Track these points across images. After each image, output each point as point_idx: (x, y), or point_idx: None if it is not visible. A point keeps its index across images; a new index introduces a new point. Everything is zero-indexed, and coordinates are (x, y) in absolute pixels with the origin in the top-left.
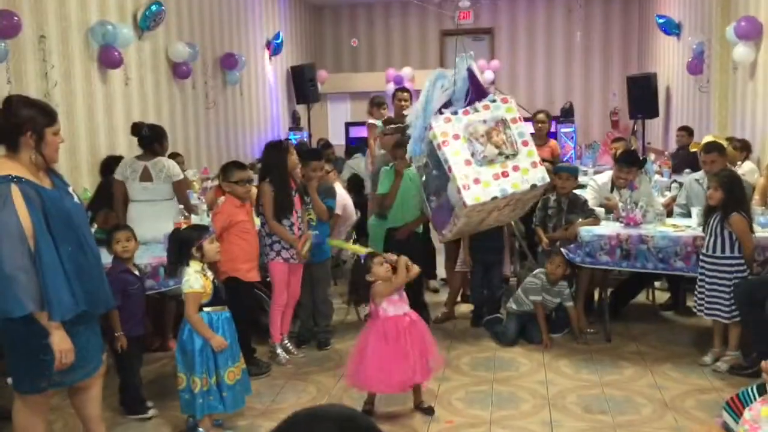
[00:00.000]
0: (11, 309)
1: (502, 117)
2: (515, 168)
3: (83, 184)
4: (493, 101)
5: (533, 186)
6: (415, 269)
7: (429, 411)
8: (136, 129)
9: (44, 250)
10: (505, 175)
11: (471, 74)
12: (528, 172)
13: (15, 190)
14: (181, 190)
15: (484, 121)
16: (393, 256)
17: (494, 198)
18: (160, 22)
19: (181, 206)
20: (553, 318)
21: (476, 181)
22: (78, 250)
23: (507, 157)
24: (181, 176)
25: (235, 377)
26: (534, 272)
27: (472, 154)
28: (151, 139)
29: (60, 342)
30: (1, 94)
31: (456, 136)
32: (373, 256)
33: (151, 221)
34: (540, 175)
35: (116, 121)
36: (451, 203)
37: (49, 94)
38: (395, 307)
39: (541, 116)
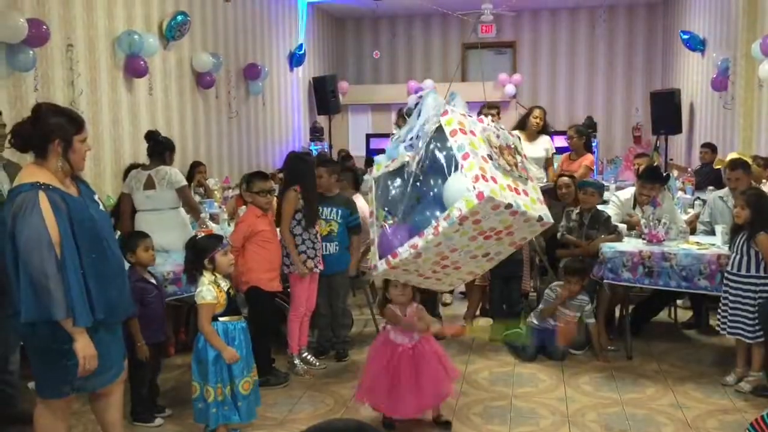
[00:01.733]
0: (41, 315)
1: (512, 143)
2: (525, 192)
3: (107, 191)
4: (500, 128)
5: (539, 218)
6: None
7: (446, 426)
8: (150, 135)
9: (69, 258)
10: (518, 192)
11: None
12: (536, 203)
13: (42, 197)
14: (185, 195)
15: (498, 136)
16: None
17: (509, 206)
18: (185, 33)
19: (204, 215)
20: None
21: (493, 179)
22: (101, 258)
23: (519, 178)
24: (183, 183)
25: (249, 387)
26: (551, 285)
27: (489, 156)
28: (164, 146)
29: (84, 348)
30: (28, 102)
31: (473, 132)
32: None
33: (158, 230)
34: (546, 212)
35: (141, 130)
36: (444, 203)
37: (75, 102)
38: (396, 334)
39: (570, 132)
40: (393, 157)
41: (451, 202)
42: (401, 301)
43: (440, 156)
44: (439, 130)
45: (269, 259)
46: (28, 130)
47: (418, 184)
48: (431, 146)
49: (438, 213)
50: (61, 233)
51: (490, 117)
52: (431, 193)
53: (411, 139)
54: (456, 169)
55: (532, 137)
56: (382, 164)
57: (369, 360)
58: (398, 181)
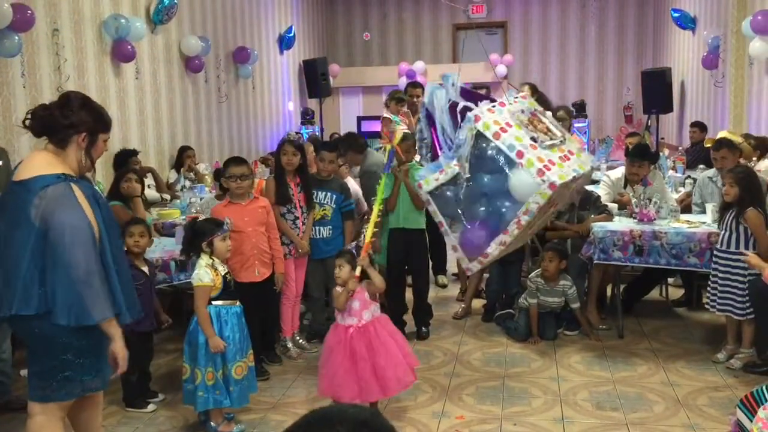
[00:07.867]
0: (88, 317)
1: (534, 108)
2: (570, 152)
3: (97, 177)
4: (515, 97)
5: (591, 168)
6: (377, 284)
7: None
8: None
9: (109, 252)
10: (567, 158)
11: (463, 90)
12: (581, 155)
13: (77, 190)
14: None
15: (522, 111)
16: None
17: (573, 178)
18: (172, 16)
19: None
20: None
21: (551, 162)
22: (120, 251)
23: (561, 142)
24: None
25: (242, 372)
26: (530, 276)
27: (533, 140)
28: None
29: (123, 349)
30: (15, 88)
31: (508, 125)
32: (342, 255)
33: None
34: (591, 158)
35: (129, 115)
36: (516, 198)
37: (61, 87)
38: (344, 317)
39: (560, 113)
40: (437, 169)
41: (525, 197)
42: (349, 280)
43: (489, 155)
44: (479, 135)
45: (233, 247)
46: (54, 116)
47: (471, 184)
48: (476, 150)
49: (508, 204)
50: (100, 227)
51: None
52: (487, 189)
53: (451, 147)
54: (511, 165)
55: None
56: (430, 178)
57: (326, 353)
58: (453, 188)
